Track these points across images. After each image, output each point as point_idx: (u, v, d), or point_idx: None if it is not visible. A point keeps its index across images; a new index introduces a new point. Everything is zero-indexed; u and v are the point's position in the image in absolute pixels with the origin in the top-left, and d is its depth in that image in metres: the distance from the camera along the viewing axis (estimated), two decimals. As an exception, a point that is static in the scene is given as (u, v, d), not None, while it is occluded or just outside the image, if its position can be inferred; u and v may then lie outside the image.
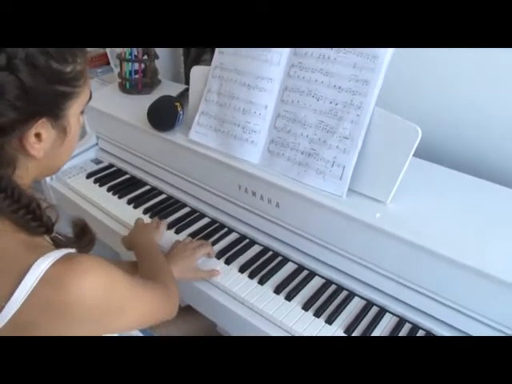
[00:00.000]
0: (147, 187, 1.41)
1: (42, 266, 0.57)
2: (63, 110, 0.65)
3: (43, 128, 0.63)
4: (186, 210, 1.30)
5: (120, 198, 1.36)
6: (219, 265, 1.10)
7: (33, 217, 0.62)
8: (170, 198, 1.35)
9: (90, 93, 0.72)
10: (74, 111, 0.67)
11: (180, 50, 1.88)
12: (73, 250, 0.63)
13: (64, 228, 0.72)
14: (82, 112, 0.71)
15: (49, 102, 0.62)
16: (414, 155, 0.93)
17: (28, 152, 0.63)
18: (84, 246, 0.73)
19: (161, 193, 1.38)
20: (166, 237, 1.19)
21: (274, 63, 1.07)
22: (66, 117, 0.66)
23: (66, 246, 0.66)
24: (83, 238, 0.74)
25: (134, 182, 1.43)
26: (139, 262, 1.01)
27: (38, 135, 0.63)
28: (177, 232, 1.22)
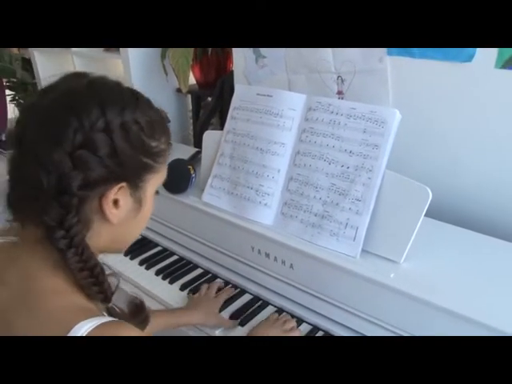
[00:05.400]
0: (159, 248, 1.42)
1: (83, 328, 0.56)
2: (142, 181, 0.68)
3: (122, 195, 0.65)
4: (198, 271, 1.31)
5: (132, 259, 1.37)
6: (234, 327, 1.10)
7: (95, 281, 0.63)
8: (181, 259, 1.36)
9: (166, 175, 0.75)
10: (151, 186, 0.70)
11: (189, 113, 1.95)
12: (116, 319, 0.63)
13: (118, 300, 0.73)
14: (156, 192, 0.74)
15: (132, 168, 0.65)
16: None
17: (105, 214, 0.64)
18: (137, 324, 0.72)
19: (172, 254, 1.39)
20: (179, 298, 1.20)
21: (286, 128, 1.11)
22: (144, 189, 0.68)
23: (120, 319, 0.66)
24: (138, 316, 0.75)
25: (146, 243, 1.44)
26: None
27: (115, 202, 0.65)
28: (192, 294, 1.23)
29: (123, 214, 0.67)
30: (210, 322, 1.11)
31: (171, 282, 1.26)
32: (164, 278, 1.28)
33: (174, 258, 1.37)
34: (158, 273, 1.30)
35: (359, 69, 1.26)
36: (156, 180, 0.70)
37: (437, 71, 1.14)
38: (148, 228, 1.46)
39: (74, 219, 0.61)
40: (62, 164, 0.59)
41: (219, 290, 1.22)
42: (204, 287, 1.22)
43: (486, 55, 1.05)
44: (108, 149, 0.61)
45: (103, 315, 0.62)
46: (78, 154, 0.60)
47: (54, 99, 0.63)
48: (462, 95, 1.14)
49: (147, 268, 1.33)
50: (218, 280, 1.26)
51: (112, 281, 0.68)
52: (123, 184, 0.64)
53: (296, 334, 1.06)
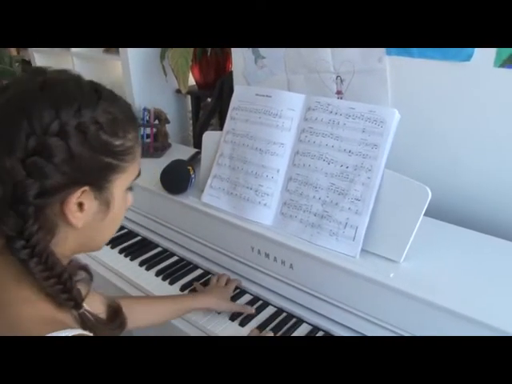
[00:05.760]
0: (159, 249, 1.42)
1: None
2: (107, 182, 0.64)
3: (86, 198, 0.61)
4: (198, 271, 1.31)
5: (132, 260, 1.37)
6: (233, 327, 1.10)
7: (63, 288, 0.60)
8: (181, 259, 1.36)
9: (139, 171, 0.71)
10: (118, 186, 0.66)
11: (189, 114, 1.95)
12: (86, 332, 0.61)
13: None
14: (129, 189, 0.70)
15: (93, 171, 0.61)
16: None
17: (68, 220, 0.61)
18: (113, 329, 0.71)
19: (172, 255, 1.39)
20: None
21: (285, 129, 1.11)
22: (110, 190, 0.65)
23: (93, 326, 0.65)
24: (115, 321, 0.72)
25: (146, 244, 1.44)
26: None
27: (80, 205, 0.61)
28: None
29: (89, 218, 0.64)
30: (221, 306, 1.12)
31: (171, 283, 1.26)
32: (164, 279, 1.28)
33: (175, 258, 1.37)
34: (158, 274, 1.30)
35: (358, 69, 1.26)
36: (124, 180, 0.67)
37: (436, 71, 1.15)
38: (148, 229, 1.46)
39: (33, 228, 0.58)
40: (15, 171, 0.56)
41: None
42: (214, 278, 1.23)
43: (485, 54, 1.05)
44: (64, 154, 0.57)
45: (72, 327, 0.60)
46: (32, 160, 0.56)
47: (8, 100, 0.59)
48: (461, 94, 1.14)
49: (147, 269, 1.33)
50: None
51: (82, 286, 0.65)
52: (85, 188, 0.61)
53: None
